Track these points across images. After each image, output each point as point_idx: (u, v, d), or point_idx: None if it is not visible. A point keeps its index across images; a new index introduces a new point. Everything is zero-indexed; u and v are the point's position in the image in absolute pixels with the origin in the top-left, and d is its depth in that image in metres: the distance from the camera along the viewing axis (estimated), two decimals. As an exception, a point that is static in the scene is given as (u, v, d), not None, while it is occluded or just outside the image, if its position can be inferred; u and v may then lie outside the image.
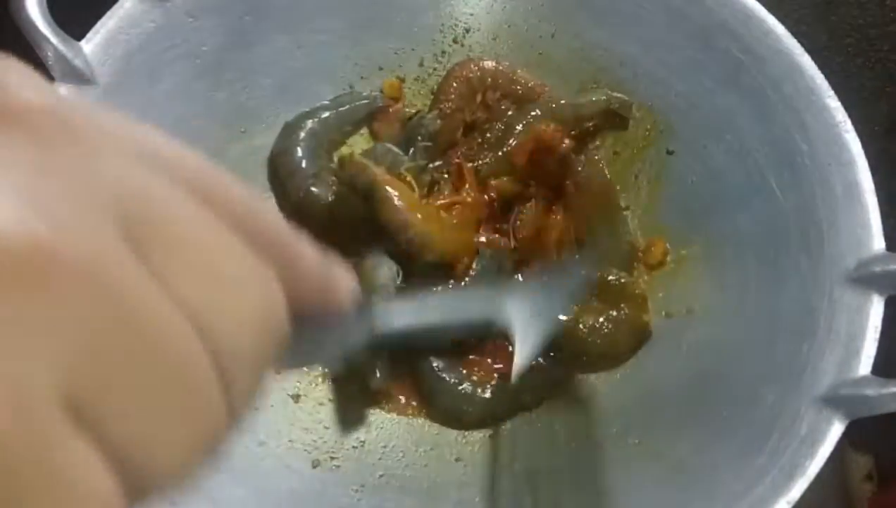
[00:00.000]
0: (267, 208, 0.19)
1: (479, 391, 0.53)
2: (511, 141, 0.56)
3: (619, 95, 0.58)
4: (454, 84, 0.58)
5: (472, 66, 0.58)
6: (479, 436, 0.53)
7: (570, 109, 0.57)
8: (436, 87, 0.60)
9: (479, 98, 0.58)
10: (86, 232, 0.14)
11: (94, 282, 0.13)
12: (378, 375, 0.52)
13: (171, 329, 0.15)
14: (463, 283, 0.53)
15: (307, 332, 0.21)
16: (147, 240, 0.15)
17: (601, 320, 0.54)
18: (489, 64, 0.58)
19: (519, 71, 0.59)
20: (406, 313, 0.27)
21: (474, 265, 0.53)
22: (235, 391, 0.17)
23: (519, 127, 0.56)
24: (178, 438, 0.15)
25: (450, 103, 0.57)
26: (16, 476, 0.12)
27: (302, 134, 0.56)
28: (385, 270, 0.51)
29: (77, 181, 0.14)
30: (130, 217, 0.15)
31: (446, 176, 0.56)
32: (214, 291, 0.16)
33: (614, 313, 0.54)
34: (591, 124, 0.58)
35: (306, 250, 0.20)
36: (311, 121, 0.57)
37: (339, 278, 0.22)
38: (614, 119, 0.58)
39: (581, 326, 0.54)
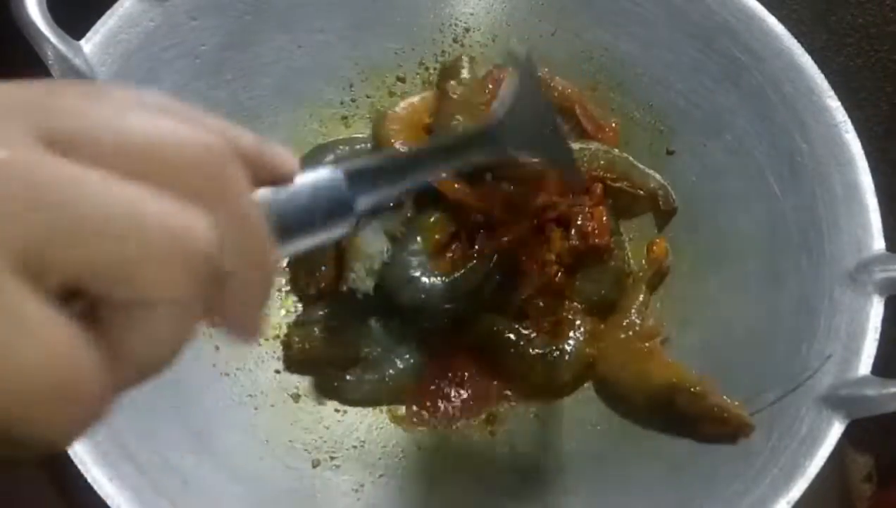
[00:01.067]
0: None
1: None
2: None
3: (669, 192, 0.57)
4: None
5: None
6: (479, 436, 0.53)
7: (626, 163, 0.56)
8: (436, 87, 0.60)
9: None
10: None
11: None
12: (401, 366, 0.52)
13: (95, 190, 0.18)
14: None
15: (283, 205, 0.24)
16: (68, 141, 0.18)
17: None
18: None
19: (557, 78, 0.58)
20: (386, 174, 0.29)
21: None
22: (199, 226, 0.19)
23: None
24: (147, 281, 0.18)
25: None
26: None
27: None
28: (376, 243, 0.51)
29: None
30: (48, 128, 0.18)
31: None
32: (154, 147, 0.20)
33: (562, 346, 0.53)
34: (631, 189, 0.56)
35: (242, 132, 0.23)
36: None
37: (278, 149, 0.24)
38: (655, 204, 0.57)
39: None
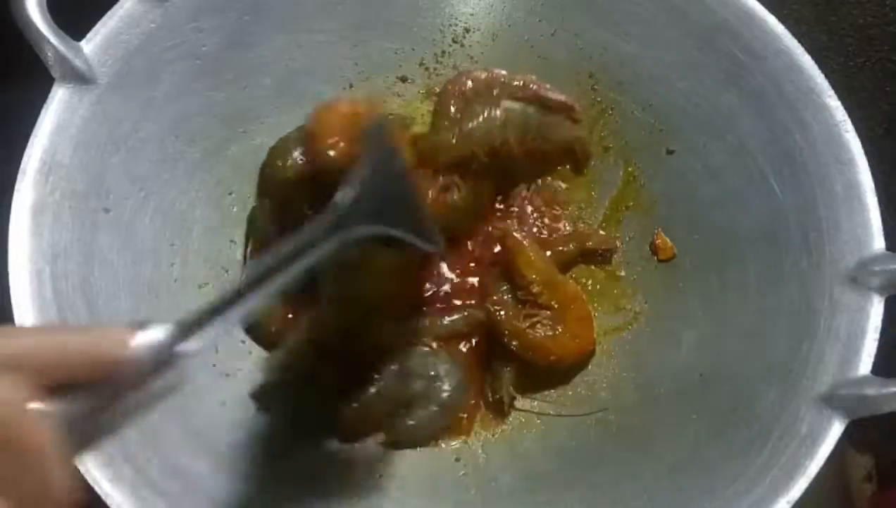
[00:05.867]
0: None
1: None
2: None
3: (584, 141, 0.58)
4: (451, 102, 0.56)
5: (464, 79, 0.57)
6: (478, 436, 0.53)
7: (538, 121, 0.57)
8: (436, 87, 0.60)
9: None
10: None
11: None
12: (447, 387, 0.53)
13: None
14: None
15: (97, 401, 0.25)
16: None
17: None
18: (481, 74, 0.57)
19: (504, 73, 0.58)
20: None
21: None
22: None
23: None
24: None
25: (451, 119, 0.56)
26: None
27: None
28: None
29: None
30: None
31: None
32: None
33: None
34: (548, 146, 0.57)
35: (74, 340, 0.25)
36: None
37: (114, 341, 0.26)
38: (573, 156, 0.58)
39: None
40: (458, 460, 0.52)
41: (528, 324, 0.53)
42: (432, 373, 0.53)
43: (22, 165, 0.44)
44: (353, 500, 0.49)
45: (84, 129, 0.46)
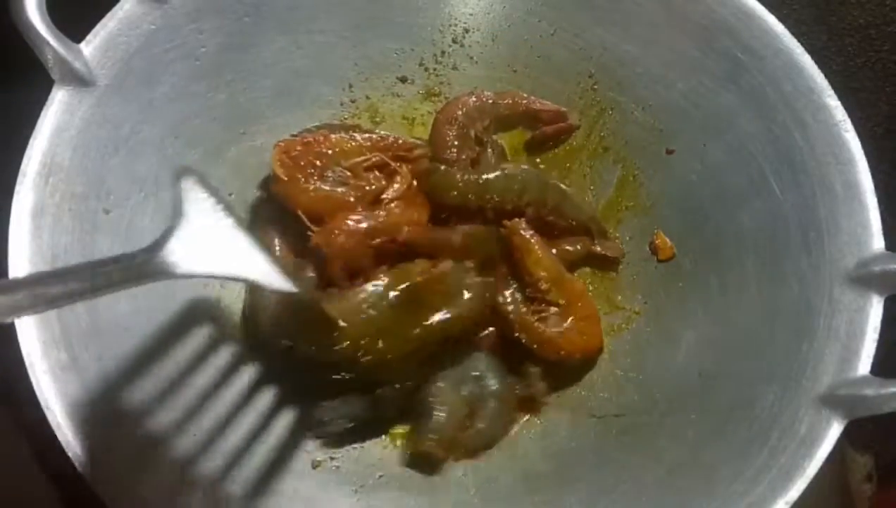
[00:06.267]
0: None
1: None
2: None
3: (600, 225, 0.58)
4: (446, 130, 0.57)
5: (454, 107, 0.58)
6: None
7: (558, 193, 0.57)
8: (436, 87, 0.60)
9: (472, 134, 0.58)
10: None
11: None
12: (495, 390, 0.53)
13: None
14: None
15: None
16: None
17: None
18: (469, 99, 0.58)
19: (492, 94, 0.59)
20: None
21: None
22: None
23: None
24: None
25: (451, 150, 0.57)
26: None
27: None
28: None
29: None
30: None
31: None
32: None
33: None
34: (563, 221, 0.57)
35: None
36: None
37: None
38: (588, 234, 0.58)
39: None
40: (457, 460, 0.52)
41: (536, 319, 0.53)
42: (475, 373, 0.53)
43: (22, 167, 0.44)
44: (354, 500, 0.49)
45: (84, 130, 0.47)
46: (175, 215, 0.38)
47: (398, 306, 0.50)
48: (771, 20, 0.53)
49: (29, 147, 0.45)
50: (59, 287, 0.32)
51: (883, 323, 0.45)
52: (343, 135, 0.55)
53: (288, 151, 0.53)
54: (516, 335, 0.53)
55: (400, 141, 0.57)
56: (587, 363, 0.55)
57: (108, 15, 0.49)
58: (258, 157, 0.56)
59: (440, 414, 0.51)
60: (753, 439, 0.45)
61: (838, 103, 0.50)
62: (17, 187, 0.44)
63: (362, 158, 0.55)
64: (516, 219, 0.55)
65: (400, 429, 0.53)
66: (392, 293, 0.50)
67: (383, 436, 0.53)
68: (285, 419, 0.51)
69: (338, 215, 0.52)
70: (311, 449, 0.51)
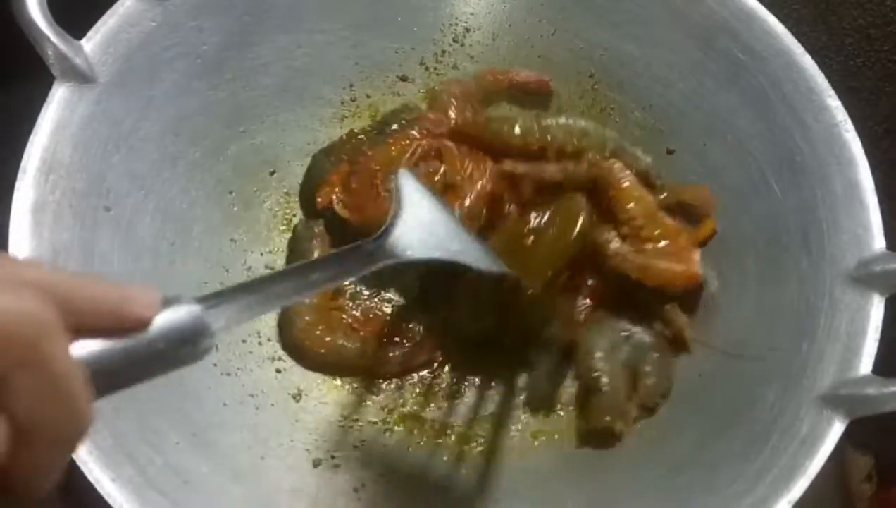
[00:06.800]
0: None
1: None
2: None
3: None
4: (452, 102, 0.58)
5: (442, 97, 0.58)
6: (479, 436, 0.53)
7: (616, 142, 0.56)
8: (436, 87, 0.60)
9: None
10: None
11: None
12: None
13: None
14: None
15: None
16: None
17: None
18: (455, 88, 0.59)
19: (471, 79, 0.59)
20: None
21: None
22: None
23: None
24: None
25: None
26: None
27: None
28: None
29: None
30: None
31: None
32: None
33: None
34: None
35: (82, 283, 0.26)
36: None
37: (134, 295, 0.26)
38: (648, 183, 0.56)
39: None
40: (458, 460, 0.52)
41: (634, 249, 0.53)
42: (624, 334, 0.53)
43: (22, 164, 0.44)
44: (354, 499, 0.49)
45: (84, 127, 0.46)
46: (396, 205, 0.41)
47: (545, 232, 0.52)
48: (771, 20, 0.53)
49: (29, 144, 0.45)
50: (315, 275, 0.34)
51: (883, 323, 0.45)
52: (375, 146, 0.56)
53: (342, 188, 0.54)
54: (618, 265, 0.52)
55: (423, 122, 0.57)
56: (691, 298, 0.54)
57: (109, 12, 0.49)
58: (258, 155, 0.56)
59: (606, 388, 0.51)
60: (754, 438, 0.45)
61: (838, 103, 0.50)
62: (18, 184, 0.44)
63: (409, 154, 0.55)
64: (611, 158, 0.54)
65: (399, 426, 0.53)
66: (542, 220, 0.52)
67: (384, 435, 0.53)
68: (285, 419, 0.51)
69: None
70: (312, 448, 0.51)
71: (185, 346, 0.28)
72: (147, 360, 0.27)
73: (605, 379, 0.51)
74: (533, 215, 0.53)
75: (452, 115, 0.57)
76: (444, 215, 0.43)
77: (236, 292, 0.30)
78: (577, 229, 0.52)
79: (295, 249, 0.56)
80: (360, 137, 0.58)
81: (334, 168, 0.56)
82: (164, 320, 0.27)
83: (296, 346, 0.54)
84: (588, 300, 0.54)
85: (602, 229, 0.53)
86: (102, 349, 0.25)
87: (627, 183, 0.54)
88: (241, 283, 0.32)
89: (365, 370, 0.54)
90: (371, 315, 0.56)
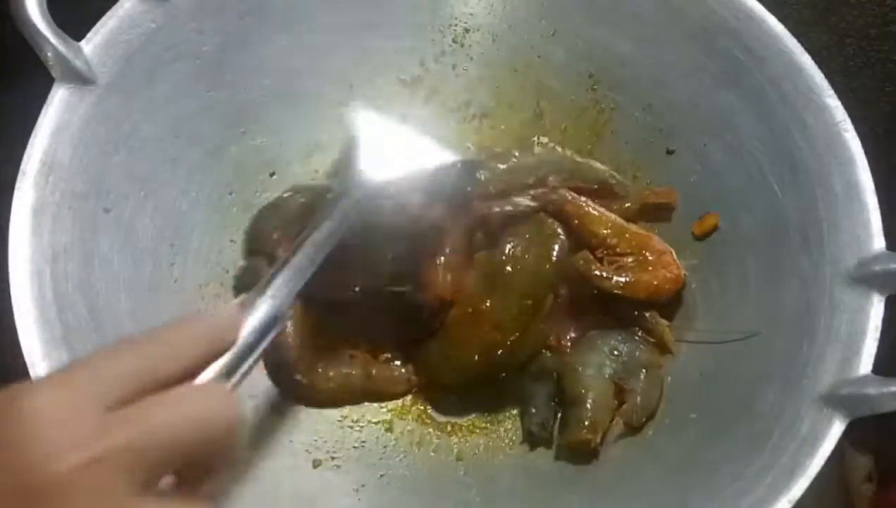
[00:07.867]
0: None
1: None
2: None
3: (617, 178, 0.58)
4: None
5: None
6: (479, 436, 0.53)
7: (570, 162, 0.57)
8: (436, 87, 0.60)
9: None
10: None
11: None
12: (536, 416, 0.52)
13: None
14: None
15: None
16: None
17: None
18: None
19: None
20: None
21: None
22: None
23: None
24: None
25: None
26: None
27: None
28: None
29: None
30: None
31: None
32: None
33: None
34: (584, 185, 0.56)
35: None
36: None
37: (222, 324, 0.34)
38: (611, 192, 0.57)
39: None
40: (458, 460, 0.52)
41: (615, 268, 0.53)
42: (615, 352, 0.53)
43: (22, 166, 0.44)
44: (355, 499, 0.49)
45: (84, 129, 0.46)
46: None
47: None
48: (771, 21, 0.53)
49: (29, 145, 0.45)
50: (324, 231, 0.42)
51: (883, 323, 0.45)
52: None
53: None
54: (603, 286, 0.53)
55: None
56: (675, 302, 0.55)
57: (109, 13, 0.49)
58: (258, 156, 0.56)
59: (590, 403, 0.51)
60: (754, 438, 0.45)
61: (838, 103, 0.50)
62: (18, 185, 0.44)
63: None
64: (561, 190, 0.55)
65: (399, 426, 0.53)
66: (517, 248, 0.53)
67: (385, 435, 0.53)
68: (286, 420, 0.51)
69: None
70: (312, 449, 0.51)
71: (276, 327, 0.35)
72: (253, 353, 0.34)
73: (591, 394, 0.51)
74: (508, 244, 0.53)
75: None
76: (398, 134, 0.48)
77: (281, 272, 0.38)
78: (555, 252, 0.53)
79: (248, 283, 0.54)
80: (301, 200, 0.55)
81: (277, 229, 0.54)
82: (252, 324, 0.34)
83: (304, 388, 0.52)
84: (574, 325, 0.55)
85: (578, 255, 0.53)
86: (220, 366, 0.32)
87: (586, 208, 0.54)
88: (275, 267, 0.38)
89: (376, 394, 0.54)
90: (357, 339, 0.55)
